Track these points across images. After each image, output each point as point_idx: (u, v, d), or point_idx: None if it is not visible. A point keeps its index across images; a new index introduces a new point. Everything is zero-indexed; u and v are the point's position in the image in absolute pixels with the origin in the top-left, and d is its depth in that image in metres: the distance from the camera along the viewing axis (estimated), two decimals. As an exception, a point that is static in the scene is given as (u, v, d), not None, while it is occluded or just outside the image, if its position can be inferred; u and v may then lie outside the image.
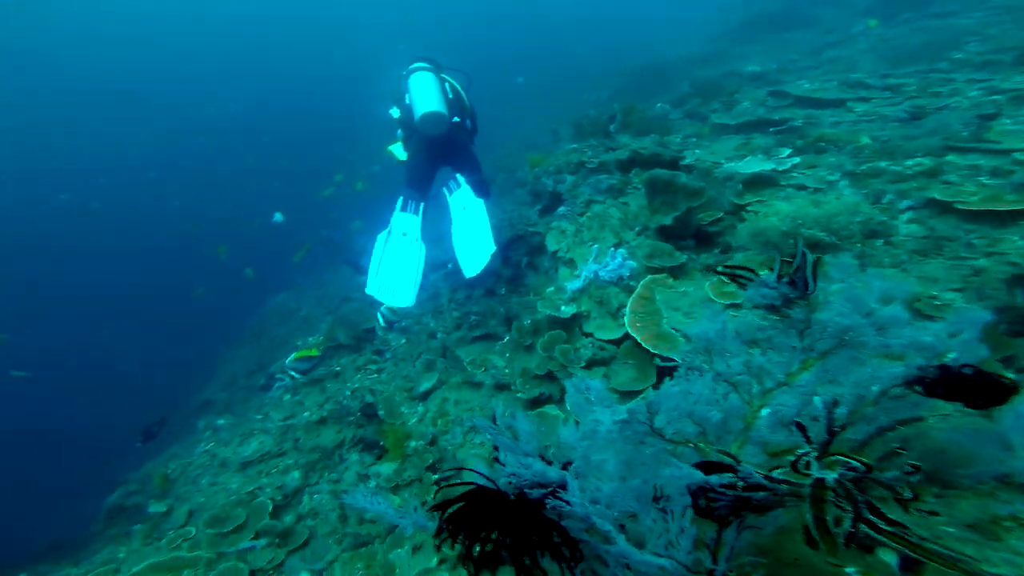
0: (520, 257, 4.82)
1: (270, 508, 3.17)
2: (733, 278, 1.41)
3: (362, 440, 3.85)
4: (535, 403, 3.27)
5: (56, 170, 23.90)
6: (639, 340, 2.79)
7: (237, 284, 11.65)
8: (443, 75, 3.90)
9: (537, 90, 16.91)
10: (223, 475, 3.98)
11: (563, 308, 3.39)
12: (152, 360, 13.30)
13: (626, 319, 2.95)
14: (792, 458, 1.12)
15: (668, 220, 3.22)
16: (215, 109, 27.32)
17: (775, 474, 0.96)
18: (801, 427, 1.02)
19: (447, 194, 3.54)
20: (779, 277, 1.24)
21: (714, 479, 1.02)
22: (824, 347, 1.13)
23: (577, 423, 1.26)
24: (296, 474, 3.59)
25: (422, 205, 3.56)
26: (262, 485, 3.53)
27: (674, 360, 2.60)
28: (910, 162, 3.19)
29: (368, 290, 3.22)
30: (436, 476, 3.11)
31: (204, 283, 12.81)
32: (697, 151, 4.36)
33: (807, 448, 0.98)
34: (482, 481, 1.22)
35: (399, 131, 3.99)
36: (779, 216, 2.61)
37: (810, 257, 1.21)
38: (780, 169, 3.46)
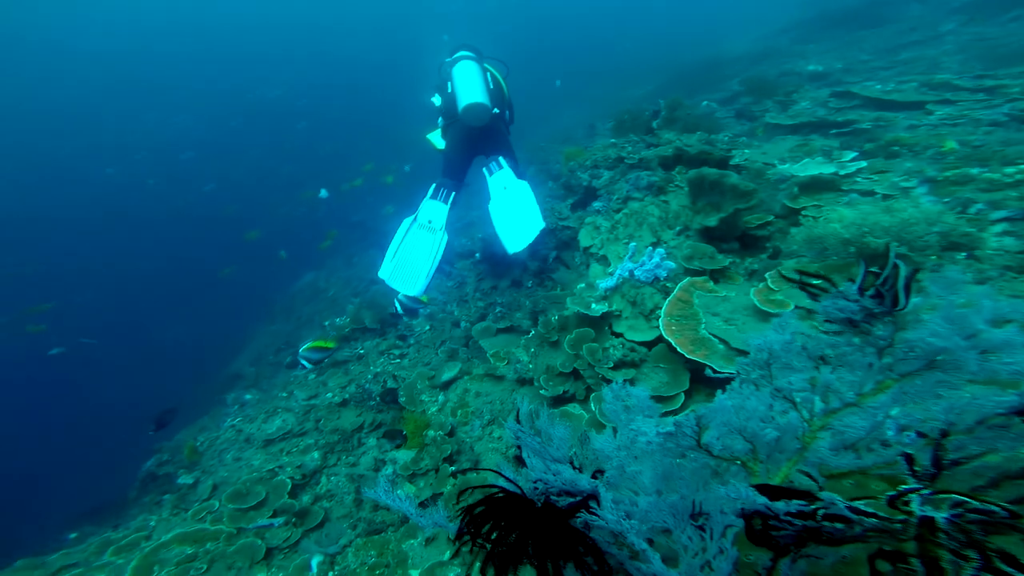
0: (549, 251, 4.71)
1: (289, 487, 3.19)
2: (804, 287, 1.26)
3: (382, 425, 3.85)
4: (558, 401, 3.17)
5: (103, 145, 25.12)
6: (674, 344, 2.64)
7: (270, 264, 11.95)
8: (485, 64, 3.82)
9: (575, 84, 16.64)
10: (247, 451, 4.05)
11: (593, 306, 3.27)
12: (187, 333, 13.84)
13: (660, 321, 2.80)
14: (878, 486, 0.99)
15: (712, 221, 3.04)
16: (254, 94, 28.12)
17: (860, 505, 0.83)
18: (909, 458, 0.88)
19: (487, 175, 3.46)
20: (862, 289, 1.08)
21: (780, 505, 0.89)
22: (907, 368, 0.99)
23: (615, 430, 1.15)
24: (315, 455, 3.61)
25: (452, 195, 3.49)
26: (283, 464, 3.57)
27: (710, 367, 2.45)
28: (1011, 169, 2.88)
29: (380, 274, 3.18)
30: (453, 468, 3.05)
31: (237, 262, 13.21)
32: (747, 151, 4.13)
33: (912, 482, 0.84)
34: (507, 485, 1.13)
35: (440, 119, 3.93)
36: (842, 222, 2.40)
37: (904, 269, 1.05)
38: (843, 173, 3.21)
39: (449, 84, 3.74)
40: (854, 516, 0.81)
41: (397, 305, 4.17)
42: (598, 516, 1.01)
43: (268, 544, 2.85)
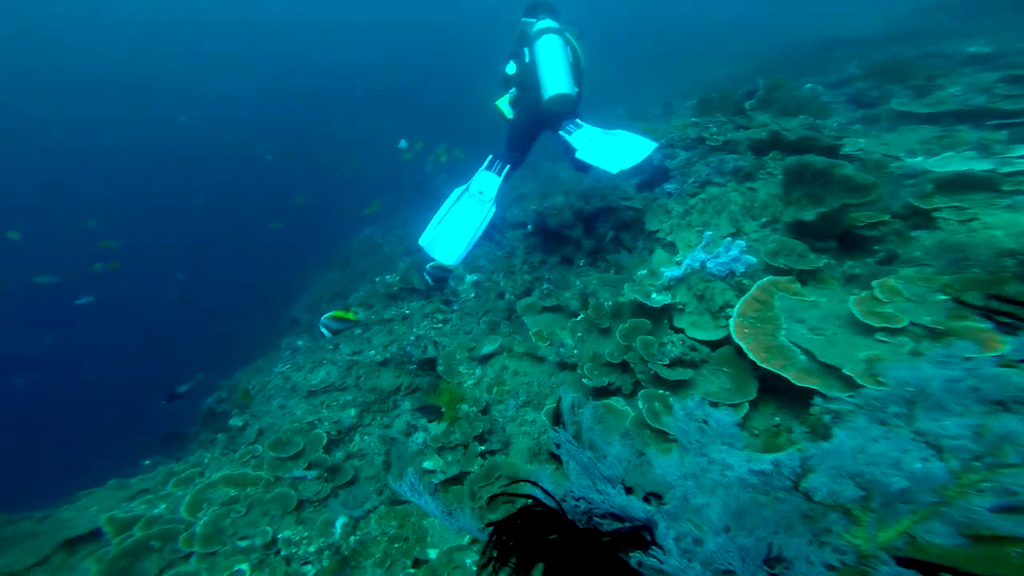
0: (607, 230, 4.40)
1: (324, 442, 3.23)
2: (991, 314, 0.95)
3: (418, 389, 3.81)
4: (601, 392, 2.95)
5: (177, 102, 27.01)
6: (744, 348, 2.32)
7: (332, 218, 12.34)
8: (566, 34, 3.49)
9: (652, 60, 15.57)
10: (291, 399, 4.18)
11: (654, 296, 2.97)
12: (256, 276, 14.76)
13: (732, 322, 2.48)
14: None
15: (809, 215, 2.62)
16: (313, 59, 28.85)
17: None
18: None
19: (566, 135, 3.23)
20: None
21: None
22: None
23: (682, 455, 0.93)
24: (352, 412, 3.63)
25: (507, 168, 3.30)
26: (322, 417, 3.63)
27: (784, 376, 2.13)
28: None
29: (420, 241, 3.10)
30: (483, 448, 2.94)
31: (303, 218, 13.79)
32: (861, 140, 3.54)
33: None
34: (543, 497, 0.94)
35: (513, 89, 3.67)
36: (1006, 230, 1.94)
37: None
38: (1004, 171, 2.62)
39: (527, 53, 3.48)
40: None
41: (427, 277, 4.14)
42: (658, 560, 0.80)
43: (300, 496, 2.91)
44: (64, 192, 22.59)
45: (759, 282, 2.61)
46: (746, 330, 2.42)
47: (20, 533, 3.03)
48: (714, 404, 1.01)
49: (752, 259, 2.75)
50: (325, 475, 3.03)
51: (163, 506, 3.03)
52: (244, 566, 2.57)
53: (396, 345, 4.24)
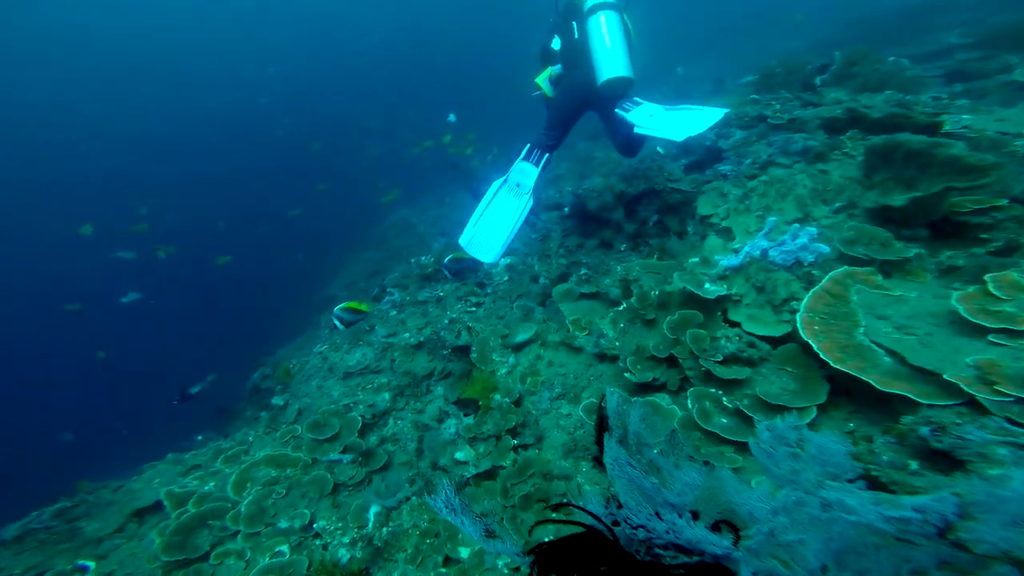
0: (650, 214, 4.13)
1: (359, 425, 3.22)
2: None
3: (450, 375, 3.73)
4: (645, 388, 2.75)
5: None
6: (815, 346, 2.06)
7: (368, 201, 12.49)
8: (622, 11, 3.18)
9: (701, 37, 14.65)
10: (329, 380, 4.20)
11: (707, 286, 2.71)
12: (294, 263, 15.25)
13: (799, 316, 2.21)
14: None
15: (897, 200, 2.29)
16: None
17: None
18: None
19: (624, 113, 2.98)
20: None
21: None
22: None
23: (774, 487, 0.74)
24: (387, 395, 3.60)
25: (546, 157, 3.11)
26: (357, 400, 3.62)
27: (865, 379, 1.86)
28: None
29: (460, 240, 2.99)
30: (515, 442, 2.81)
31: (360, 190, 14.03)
32: (966, 117, 3.07)
33: None
34: (594, 523, 0.79)
35: (557, 66, 3.43)
36: None
37: None
38: None
39: (575, 27, 3.23)
40: None
41: (445, 272, 4.07)
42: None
43: (336, 479, 2.92)
44: (117, 182, 24.06)
45: (832, 273, 2.32)
46: (816, 326, 2.15)
47: (100, 501, 3.28)
48: (812, 427, 0.85)
49: (824, 247, 2.44)
50: (359, 459, 3.02)
51: (212, 483, 3.14)
52: (284, 547, 2.63)
53: (431, 328, 4.18)
